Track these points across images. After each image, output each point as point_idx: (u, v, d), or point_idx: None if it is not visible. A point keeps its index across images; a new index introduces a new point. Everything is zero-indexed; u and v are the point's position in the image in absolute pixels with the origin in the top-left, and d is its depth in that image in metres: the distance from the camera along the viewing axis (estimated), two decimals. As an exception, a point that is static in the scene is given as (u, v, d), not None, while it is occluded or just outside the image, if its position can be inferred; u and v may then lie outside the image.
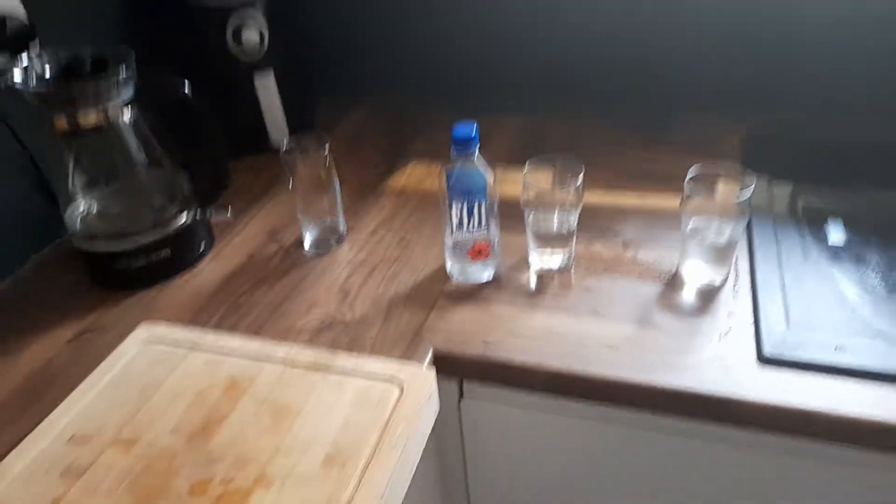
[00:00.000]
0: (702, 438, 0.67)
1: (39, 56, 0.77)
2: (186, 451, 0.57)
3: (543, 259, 0.79)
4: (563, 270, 0.78)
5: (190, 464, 0.56)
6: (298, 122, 1.10)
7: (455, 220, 0.73)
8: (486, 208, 0.73)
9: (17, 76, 0.74)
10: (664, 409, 0.65)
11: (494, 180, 0.72)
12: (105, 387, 0.65)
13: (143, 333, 0.71)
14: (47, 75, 0.77)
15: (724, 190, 0.73)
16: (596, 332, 0.70)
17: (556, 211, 0.76)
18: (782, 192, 0.89)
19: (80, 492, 0.55)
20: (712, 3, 0.99)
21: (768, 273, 0.74)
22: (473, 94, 1.16)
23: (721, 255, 0.74)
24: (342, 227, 0.88)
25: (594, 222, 0.85)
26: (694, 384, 0.63)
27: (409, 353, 0.69)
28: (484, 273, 0.78)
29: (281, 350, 0.67)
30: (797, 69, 1.00)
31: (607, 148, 1.01)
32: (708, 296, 0.73)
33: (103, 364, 0.68)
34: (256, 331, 0.74)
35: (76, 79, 0.76)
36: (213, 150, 0.85)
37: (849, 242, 0.81)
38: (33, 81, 0.75)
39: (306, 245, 0.87)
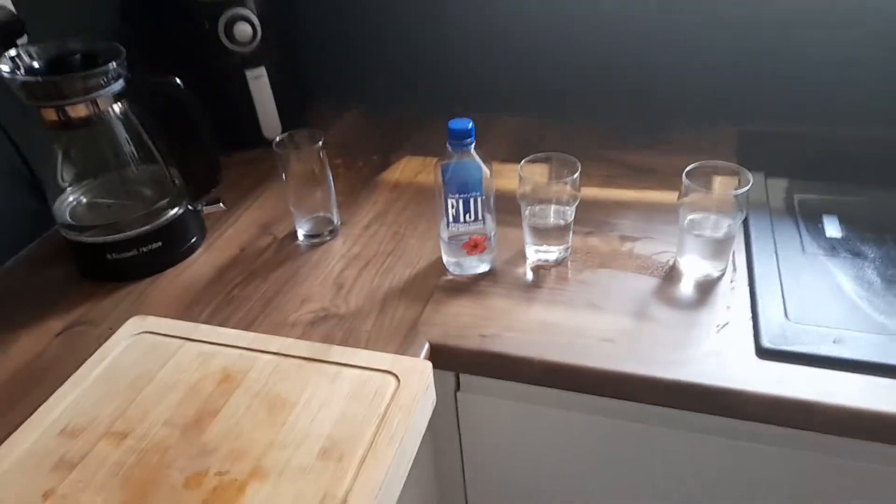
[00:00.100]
0: (700, 431, 0.67)
1: (28, 49, 0.76)
2: (180, 444, 0.56)
3: (540, 253, 0.78)
4: (560, 264, 0.78)
5: (184, 456, 0.55)
6: (292, 119, 1.09)
7: (451, 214, 0.73)
8: (482, 202, 0.72)
9: (5, 68, 0.73)
10: (662, 402, 0.65)
11: (491, 174, 0.72)
12: (96, 379, 0.64)
13: (134, 326, 0.70)
14: (36, 68, 0.76)
15: (722, 185, 0.73)
16: (593, 324, 0.69)
17: (553, 205, 0.76)
18: (778, 187, 0.89)
19: (72, 485, 0.53)
20: (710, 9, 0.99)
21: (765, 267, 0.74)
22: (469, 95, 1.15)
23: (718, 249, 0.73)
24: (336, 220, 0.87)
25: (591, 216, 0.85)
26: (692, 377, 0.63)
27: (404, 346, 0.68)
28: (480, 266, 0.77)
29: (275, 342, 0.67)
30: (795, 75, 1.00)
31: (604, 147, 1.01)
32: (705, 289, 0.73)
33: (94, 356, 0.66)
34: (249, 324, 0.73)
35: (65, 72, 0.75)
36: (204, 143, 0.84)
37: (845, 237, 0.81)
38: (21, 73, 0.74)
39: (299, 238, 0.86)
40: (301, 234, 0.86)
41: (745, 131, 1.00)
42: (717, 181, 0.74)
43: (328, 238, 0.86)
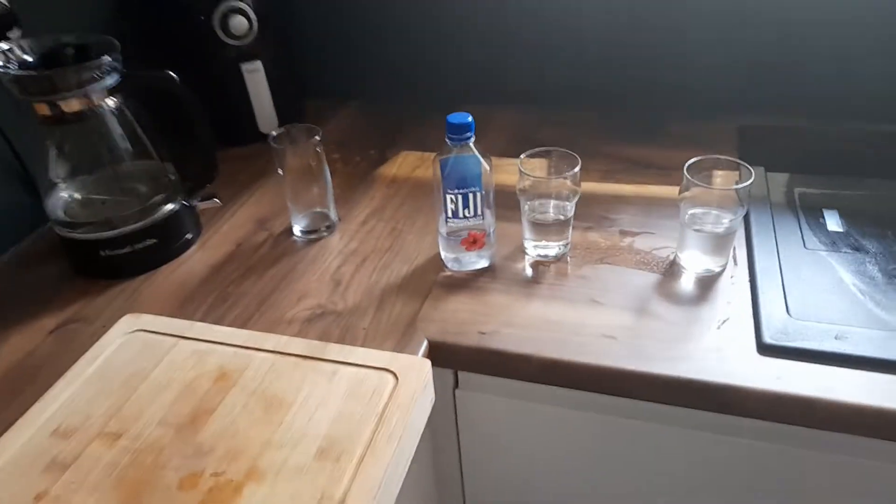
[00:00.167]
0: (701, 428, 0.66)
1: (21, 42, 0.75)
2: (175, 444, 0.56)
3: (539, 248, 0.77)
4: (560, 259, 0.77)
5: (179, 456, 0.55)
6: (288, 113, 1.08)
7: (450, 210, 0.72)
8: (481, 197, 0.71)
9: (-3, 61, 0.72)
10: (662, 399, 0.64)
11: (490, 169, 0.71)
12: (89, 378, 0.63)
13: (127, 324, 0.69)
14: (29, 61, 0.74)
15: (723, 179, 0.73)
16: (593, 320, 0.69)
17: (553, 200, 0.75)
18: (779, 181, 0.88)
19: (65, 486, 0.53)
20: (710, 2, 0.98)
21: (767, 262, 0.73)
22: (467, 88, 1.14)
23: (719, 244, 0.73)
24: (333, 215, 0.86)
25: (590, 210, 0.84)
26: (693, 373, 0.62)
27: (402, 343, 0.67)
28: (479, 262, 0.77)
29: (271, 340, 0.66)
30: (796, 69, 0.99)
31: (602, 141, 1.00)
32: (706, 284, 0.72)
33: (87, 354, 0.65)
34: (245, 322, 0.72)
35: (58, 65, 0.74)
36: (200, 138, 0.83)
37: (846, 232, 0.81)
38: (14, 67, 0.73)
39: (296, 233, 0.85)
40: (297, 229, 0.85)
41: (745, 126, 1.00)
42: (718, 176, 0.73)
43: (325, 234, 0.85)
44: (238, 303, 0.75)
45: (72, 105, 0.74)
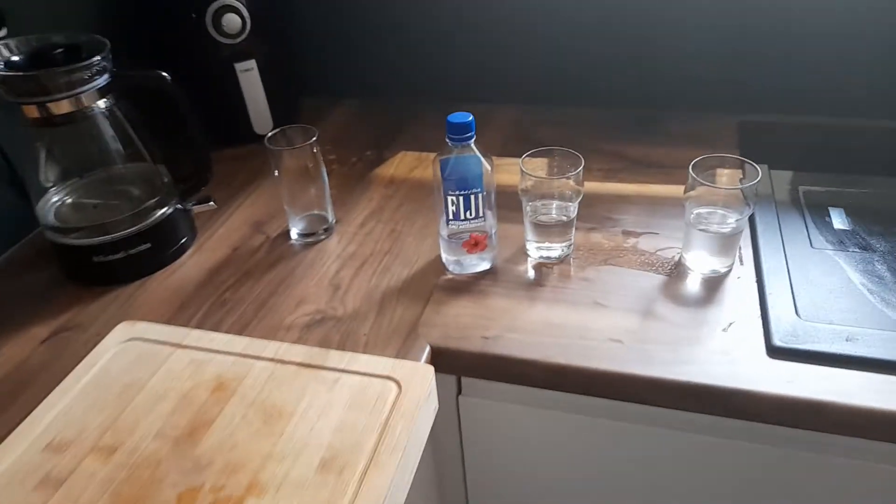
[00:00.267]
0: (710, 433, 0.65)
1: (8, 42, 0.73)
2: (172, 457, 0.54)
3: (542, 250, 0.76)
4: (563, 261, 0.76)
5: (177, 471, 0.53)
6: (283, 113, 1.06)
7: (451, 212, 0.70)
8: (483, 199, 0.70)
9: (-16, 62, 0.70)
10: (671, 404, 0.63)
11: (492, 169, 0.69)
12: (83, 389, 0.61)
13: (122, 332, 0.67)
14: (16, 62, 0.72)
15: (728, 178, 0.71)
16: (597, 324, 0.67)
17: (555, 200, 0.74)
18: (783, 179, 0.87)
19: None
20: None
21: (773, 262, 0.72)
22: (464, 86, 1.13)
23: (725, 244, 0.71)
24: (331, 218, 0.84)
25: (593, 211, 0.83)
26: (702, 377, 0.61)
27: (404, 349, 0.66)
28: (480, 265, 0.75)
29: (270, 348, 0.64)
30: (797, 64, 0.98)
31: (603, 139, 0.99)
32: (712, 285, 0.71)
33: (81, 365, 0.64)
34: (242, 328, 0.70)
35: (47, 66, 0.72)
36: (193, 139, 0.81)
37: (853, 230, 0.79)
38: (1, 68, 0.71)
39: (293, 237, 0.84)
40: (295, 232, 0.84)
41: (746, 122, 0.98)
42: (723, 174, 0.72)
43: (323, 237, 0.83)
44: (235, 309, 0.73)
45: (61, 107, 0.72)
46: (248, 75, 1.01)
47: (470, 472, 0.79)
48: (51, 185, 0.80)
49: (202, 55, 0.98)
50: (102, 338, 0.67)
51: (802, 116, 0.98)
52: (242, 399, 0.59)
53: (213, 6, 0.95)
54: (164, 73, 0.76)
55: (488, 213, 0.71)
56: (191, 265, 0.81)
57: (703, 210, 0.71)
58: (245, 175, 0.98)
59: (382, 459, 0.52)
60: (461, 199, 0.69)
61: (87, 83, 0.72)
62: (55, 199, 0.80)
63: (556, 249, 0.76)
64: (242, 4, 0.97)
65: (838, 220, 0.81)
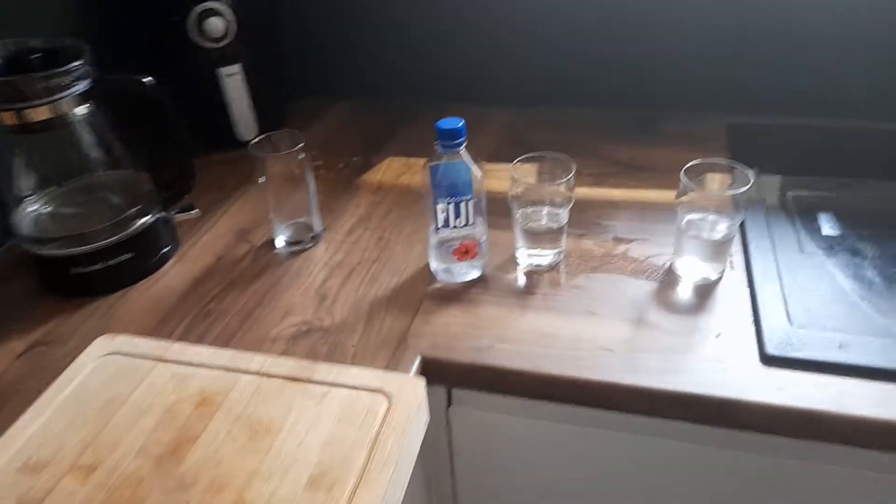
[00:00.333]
0: (703, 442, 0.64)
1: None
2: (155, 476, 0.52)
3: (532, 257, 0.75)
4: (553, 268, 0.75)
5: (159, 489, 0.51)
6: (268, 118, 1.04)
7: (440, 219, 0.69)
8: (473, 206, 0.69)
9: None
10: (664, 414, 0.62)
11: (482, 176, 0.68)
12: (61, 405, 0.59)
13: (102, 345, 0.65)
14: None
15: (718, 183, 0.71)
16: (589, 332, 0.66)
17: (546, 207, 0.73)
18: (772, 184, 0.87)
19: (35, 526, 0.49)
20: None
21: (765, 267, 0.71)
22: (453, 89, 1.12)
23: (717, 250, 0.71)
24: (317, 226, 0.83)
25: (583, 217, 0.82)
26: (694, 386, 0.60)
27: (394, 360, 0.65)
28: (470, 273, 0.74)
29: (256, 360, 0.62)
30: (797, 64, 0.97)
31: (593, 142, 0.98)
32: (704, 292, 0.70)
33: (59, 380, 0.62)
34: (227, 340, 0.68)
35: (24, 71, 0.70)
36: (176, 145, 0.79)
37: (843, 235, 0.79)
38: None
39: (279, 245, 0.82)
40: (281, 240, 0.82)
41: (735, 125, 0.98)
42: (714, 180, 0.71)
43: (309, 245, 0.82)
44: (219, 320, 0.71)
45: (39, 113, 0.71)
46: (233, 80, 0.99)
47: (460, 483, 0.77)
48: (28, 194, 0.78)
49: (185, 59, 0.97)
50: (81, 352, 0.65)
51: (803, 117, 0.98)
52: (228, 414, 0.57)
53: (196, 10, 0.93)
54: (147, 78, 0.74)
55: (479, 220, 0.70)
56: (173, 275, 0.79)
57: (694, 216, 0.71)
58: (230, 181, 0.96)
59: (373, 475, 0.51)
60: (451, 206, 0.68)
61: (66, 89, 0.70)
62: (32, 208, 0.78)
63: (546, 256, 0.75)
64: (226, 7, 0.95)
65: (827, 226, 0.81)
